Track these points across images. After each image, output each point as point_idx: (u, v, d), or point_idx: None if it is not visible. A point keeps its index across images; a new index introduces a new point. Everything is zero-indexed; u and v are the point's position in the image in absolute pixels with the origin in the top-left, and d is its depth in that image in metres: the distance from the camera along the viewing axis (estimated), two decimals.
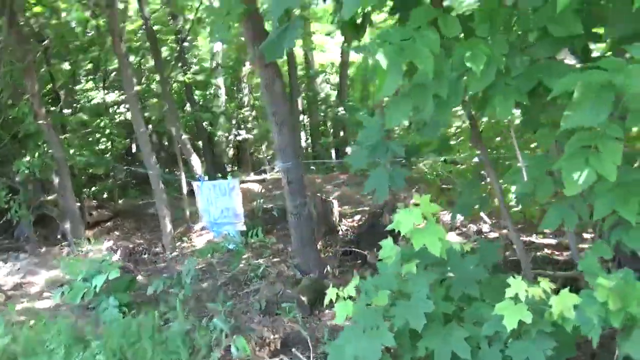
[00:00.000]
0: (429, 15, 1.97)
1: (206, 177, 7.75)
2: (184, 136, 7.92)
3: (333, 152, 15.66)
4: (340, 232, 6.99)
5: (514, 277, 2.06)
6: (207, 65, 15.09)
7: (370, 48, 1.75)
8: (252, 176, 16.86)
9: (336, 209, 7.06)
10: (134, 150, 15.62)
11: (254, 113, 16.75)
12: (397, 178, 2.70)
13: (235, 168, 17.22)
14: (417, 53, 1.73)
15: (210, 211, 5.85)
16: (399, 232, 6.44)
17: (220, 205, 5.74)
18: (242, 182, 8.73)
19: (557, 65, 1.97)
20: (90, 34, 10.22)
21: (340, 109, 12.85)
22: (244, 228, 5.70)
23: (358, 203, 8.40)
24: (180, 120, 10.50)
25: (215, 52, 14.71)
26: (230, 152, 17.96)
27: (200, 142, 14.12)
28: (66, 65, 9.07)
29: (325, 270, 5.18)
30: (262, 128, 16.27)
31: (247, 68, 16.52)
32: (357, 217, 7.65)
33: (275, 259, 6.18)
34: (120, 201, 12.05)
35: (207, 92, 14.65)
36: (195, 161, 7.99)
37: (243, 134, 15.93)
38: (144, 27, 7.38)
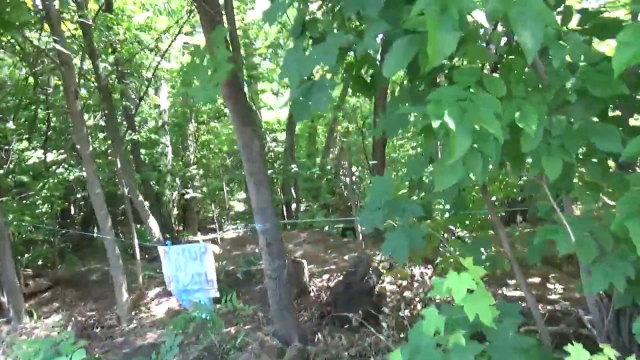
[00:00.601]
0: (475, 76, 1.93)
1: (160, 239, 7.31)
2: (140, 197, 7.48)
3: (284, 208, 15.46)
4: (312, 293, 6.73)
5: (572, 343, 1.96)
6: (153, 123, 14.77)
7: (432, 109, 1.67)
8: (199, 236, 16.28)
9: (306, 269, 6.83)
10: (72, 212, 14.74)
11: (201, 171, 16.40)
12: (416, 238, 2.59)
13: (182, 228, 16.62)
14: (481, 115, 1.67)
15: (179, 277, 5.43)
16: (378, 294, 6.22)
17: (190, 270, 5.35)
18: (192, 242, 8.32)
19: (604, 126, 1.97)
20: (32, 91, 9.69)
21: (294, 166, 12.78)
22: (217, 294, 5.33)
23: (323, 262, 8.20)
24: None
25: (162, 110, 14.40)
26: (175, 211, 17.35)
27: (146, 202, 13.52)
28: (10, 124, 8.44)
29: (316, 337, 4.90)
30: (210, 186, 15.92)
31: (193, 125, 16.35)
32: (326, 277, 7.42)
33: (247, 327, 5.79)
34: (59, 267, 11.13)
35: (154, 151, 14.19)
36: (153, 224, 7.52)
37: (190, 193, 15.49)
38: (95, 84, 7.07)
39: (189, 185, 16.21)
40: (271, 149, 14.53)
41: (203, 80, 3.57)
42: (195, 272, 5.34)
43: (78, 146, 10.71)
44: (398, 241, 2.61)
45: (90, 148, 6.29)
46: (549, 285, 6.78)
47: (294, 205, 16.35)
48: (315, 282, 7.12)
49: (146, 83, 9.09)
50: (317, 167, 15.41)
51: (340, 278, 6.51)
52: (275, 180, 15.34)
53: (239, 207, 18.48)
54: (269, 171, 16.07)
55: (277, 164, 14.68)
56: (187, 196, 15.55)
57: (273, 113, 18.39)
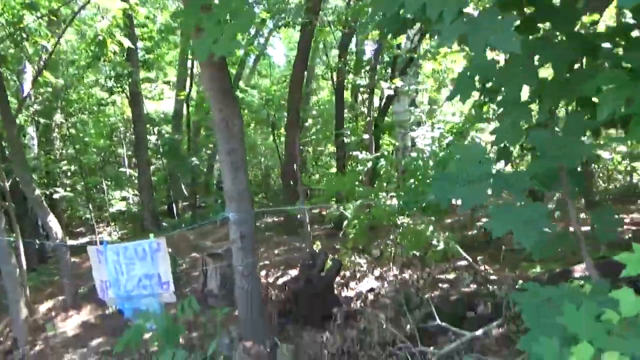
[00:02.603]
0: None
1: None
2: (37, 191, 6.11)
3: (175, 207, 14.23)
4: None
5: None
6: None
7: None
8: (68, 241, 14.23)
9: None
10: None
11: (73, 167, 14.38)
12: (540, 218, 2.23)
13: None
14: None
15: (120, 282, 4.46)
16: (343, 284, 5.80)
17: (136, 272, 4.41)
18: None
19: None
20: None
21: (194, 159, 11.80)
22: (173, 299, 4.47)
23: None
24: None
25: (26, 96, 12.21)
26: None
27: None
28: None
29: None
30: (87, 183, 14.04)
31: (59, 116, 14.32)
32: (263, 273, 6.85)
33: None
34: None
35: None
36: (54, 223, 6.19)
37: (60, 191, 13.46)
38: None
39: (58, 184, 14.12)
40: (162, 142, 13.19)
41: (213, 29, 2.88)
42: (144, 274, 4.42)
43: None
44: (516, 223, 2.20)
45: None
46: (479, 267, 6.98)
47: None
48: None
49: (43, 56, 7.47)
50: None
51: (295, 273, 6.02)
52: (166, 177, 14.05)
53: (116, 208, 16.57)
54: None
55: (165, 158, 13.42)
56: (55, 195, 13.46)
57: (152, 105, 16.87)
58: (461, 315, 4.75)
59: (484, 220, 10.41)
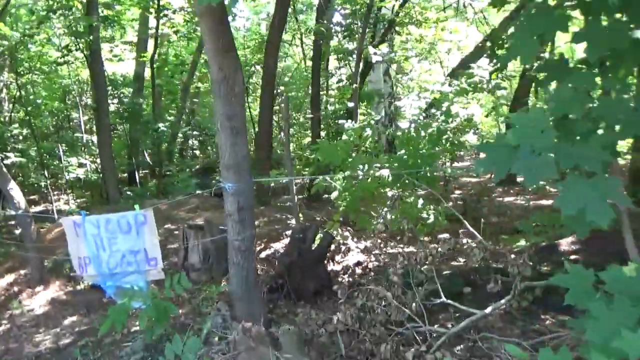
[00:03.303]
0: None
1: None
2: None
3: (137, 175, 13.56)
4: None
5: None
6: None
7: None
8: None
9: None
10: None
11: (25, 131, 13.38)
12: (613, 191, 2.02)
13: None
14: None
15: (102, 259, 4.03)
16: (329, 258, 5.56)
17: (119, 247, 3.99)
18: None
19: None
20: None
21: (161, 125, 11.15)
22: (162, 276, 4.09)
23: None
24: None
25: None
26: None
27: None
28: None
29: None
30: (39, 149, 13.12)
31: (6, 76, 13.28)
32: None
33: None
34: None
35: None
36: (16, 191, 5.60)
37: (12, 157, 12.54)
38: None
39: (8, 148, 13.14)
40: (124, 106, 12.37)
41: None
42: (128, 249, 4.02)
43: None
44: (586, 197, 1.97)
45: None
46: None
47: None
48: None
49: None
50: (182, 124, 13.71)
51: (278, 246, 5.74)
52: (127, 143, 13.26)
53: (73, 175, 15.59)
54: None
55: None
56: (6, 161, 12.52)
57: (111, 66, 15.80)
58: (458, 291, 4.64)
59: (458, 192, 10.45)
